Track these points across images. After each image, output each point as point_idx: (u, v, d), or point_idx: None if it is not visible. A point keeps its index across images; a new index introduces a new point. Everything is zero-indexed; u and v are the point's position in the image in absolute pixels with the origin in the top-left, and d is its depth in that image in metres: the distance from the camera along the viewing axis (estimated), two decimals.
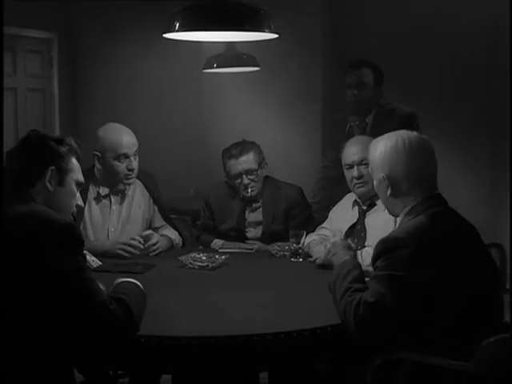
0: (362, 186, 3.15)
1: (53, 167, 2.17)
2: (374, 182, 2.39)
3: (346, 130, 3.94)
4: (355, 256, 2.50)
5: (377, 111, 3.95)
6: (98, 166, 3.36)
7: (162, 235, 3.44)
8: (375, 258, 2.20)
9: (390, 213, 2.42)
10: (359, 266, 2.39)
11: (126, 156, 3.32)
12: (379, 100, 3.96)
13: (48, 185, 2.16)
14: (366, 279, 2.30)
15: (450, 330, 2.12)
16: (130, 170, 3.34)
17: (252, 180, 3.53)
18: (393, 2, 5.11)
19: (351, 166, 3.17)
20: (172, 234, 3.51)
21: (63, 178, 2.21)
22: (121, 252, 3.23)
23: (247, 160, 3.52)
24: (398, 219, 3.08)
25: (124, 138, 3.33)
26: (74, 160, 2.27)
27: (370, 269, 2.36)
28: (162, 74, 5.99)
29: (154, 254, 3.32)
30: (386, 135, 2.38)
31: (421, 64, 5.05)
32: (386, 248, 2.17)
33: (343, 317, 2.16)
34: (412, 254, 2.11)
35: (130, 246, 3.26)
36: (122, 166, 3.33)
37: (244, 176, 3.52)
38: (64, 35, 6.18)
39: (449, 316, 2.12)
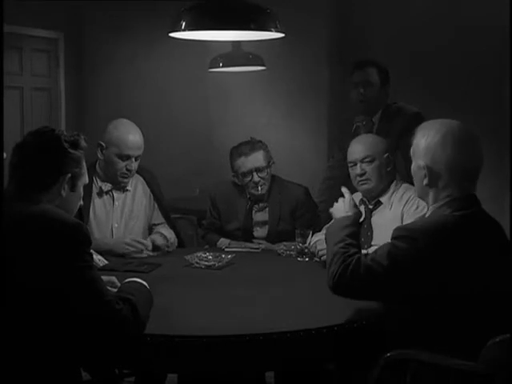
0: (364, 184, 3.16)
1: (69, 175, 2.14)
2: (413, 165, 2.29)
3: (353, 130, 3.93)
4: (358, 214, 2.44)
5: (383, 111, 3.93)
6: (99, 155, 3.37)
7: (157, 232, 3.43)
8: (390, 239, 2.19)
9: (421, 199, 2.36)
10: (360, 224, 2.41)
11: (128, 157, 3.33)
12: (385, 99, 3.96)
13: (62, 191, 2.13)
14: None
15: (455, 330, 2.12)
16: (128, 170, 3.35)
17: (262, 178, 3.52)
18: (398, 2, 5.10)
19: (354, 164, 3.18)
20: (168, 233, 3.46)
21: (76, 184, 2.18)
22: (127, 251, 3.24)
23: (257, 157, 3.52)
24: (404, 217, 3.08)
25: (131, 138, 3.32)
26: (84, 163, 2.23)
27: None
28: (167, 74, 6.00)
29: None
30: (435, 124, 2.25)
31: (426, 64, 5.03)
32: (397, 235, 2.16)
33: (330, 261, 2.20)
34: (419, 249, 2.08)
35: (136, 244, 3.26)
36: (121, 164, 3.33)
37: (254, 173, 3.51)
38: (70, 35, 6.20)
39: (453, 318, 2.11)
